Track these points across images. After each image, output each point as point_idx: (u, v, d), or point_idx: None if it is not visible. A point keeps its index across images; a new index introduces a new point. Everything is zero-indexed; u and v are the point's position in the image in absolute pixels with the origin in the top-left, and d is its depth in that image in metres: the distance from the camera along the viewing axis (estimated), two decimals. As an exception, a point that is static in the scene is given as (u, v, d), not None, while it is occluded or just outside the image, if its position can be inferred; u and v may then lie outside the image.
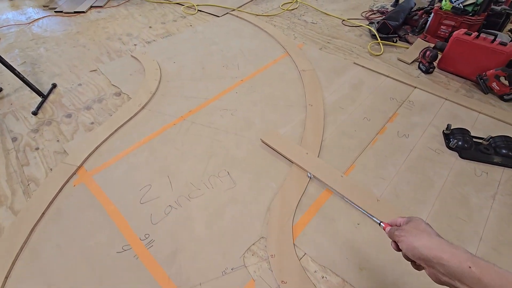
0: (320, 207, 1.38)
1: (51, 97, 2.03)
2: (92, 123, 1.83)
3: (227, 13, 3.10)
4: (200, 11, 3.16)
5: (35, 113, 1.89)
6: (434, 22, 2.50)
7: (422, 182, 1.49)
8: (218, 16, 3.04)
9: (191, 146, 1.68)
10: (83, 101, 1.99)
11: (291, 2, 3.32)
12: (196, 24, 2.91)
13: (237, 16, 3.04)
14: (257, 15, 3.06)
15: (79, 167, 1.56)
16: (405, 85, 2.12)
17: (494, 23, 2.47)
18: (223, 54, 2.46)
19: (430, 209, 1.36)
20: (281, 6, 3.24)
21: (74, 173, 1.53)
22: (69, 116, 1.88)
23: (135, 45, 2.59)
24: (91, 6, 3.24)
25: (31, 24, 2.92)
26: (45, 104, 1.96)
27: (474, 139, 1.68)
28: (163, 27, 2.86)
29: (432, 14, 2.49)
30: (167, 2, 3.35)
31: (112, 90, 2.08)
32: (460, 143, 1.65)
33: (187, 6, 3.23)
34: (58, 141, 1.71)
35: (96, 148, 1.66)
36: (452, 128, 1.73)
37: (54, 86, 2.11)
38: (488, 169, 1.55)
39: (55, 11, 3.15)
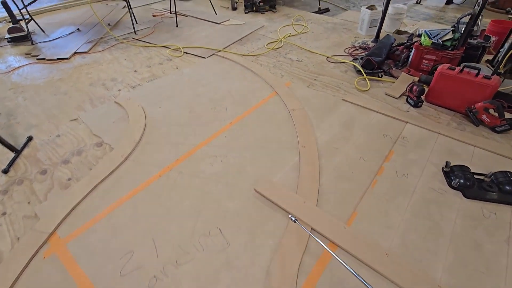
0: (325, 266, 1.23)
1: (25, 151, 1.88)
2: (69, 179, 1.68)
3: (213, 54, 3.13)
4: (186, 53, 3.18)
5: (5, 171, 1.72)
6: (416, 57, 2.57)
7: (430, 228, 1.38)
8: (204, 58, 3.06)
9: (179, 201, 1.54)
10: (60, 154, 1.85)
11: (276, 41, 3.41)
12: (182, 67, 2.90)
13: (223, 57, 3.06)
14: (243, 55, 3.10)
15: (51, 233, 1.38)
16: (396, 121, 2.10)
17: (472, 55, 2.56)
18: (211, 96, 2.41)
19: (444, 262, 1.24)
20: (266, 45, 3.31)
21: (45, 242, 1.35)
22: (43, 172, 1.73)
23: (119, 90, 2.52)
24: (75, 52, 3.22)
25: (10, 73, 2.84)
26: (18, 160, 1.81)
27: (476, 176, 1.62)
28: (148, 71, 2.83)
29: (413, 49, 2.57)
30: (153, 45, 3.37)
31: (93, 140, 1.96)
32: (462, 181, 1.58)
33: (173, 49, 3.26)
34: (29, 203, 1.54)
35: (72, 209, 1.50)
36: (451, 165, 1.67)
37: (29, 139, 1.97)
38: (496, 209, 1.47)
39: (37, 59, 3.10)
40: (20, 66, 2.96)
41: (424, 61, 2.55)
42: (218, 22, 4.01)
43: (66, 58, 3.09)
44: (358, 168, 1.72)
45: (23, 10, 3.54)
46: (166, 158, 1.81)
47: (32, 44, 3.46)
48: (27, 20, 3.57)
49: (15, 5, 3.45)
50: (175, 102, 2.35)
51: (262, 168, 1.73)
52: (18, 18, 3.54)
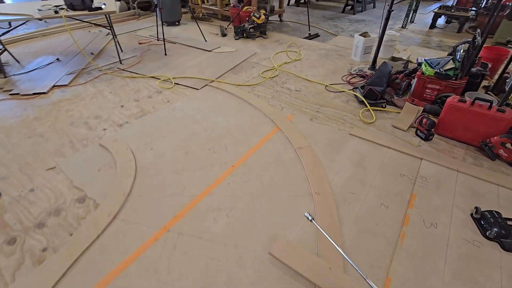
0: None
1: (-10, 213, 1.58)
2: (45, 249, 1.39)
3: (206, 85, 2.96)
4: (178, 84, 2.99)
5: (-37, 243, 1.41)
6: (418, 86, 2.51)
7: (478, 295, 1.20)
8: (197, 89, 2.88)
9: (181, 274, 1.28)
10: (34, 215, 1.56)
11: (271, 70, 3.30)
12: (174, 100, 2.70)
13: (217, 88, 2.89)
14: (238, 85, 2.94)
15: (19, 333, 1.09)
16: (410, 157, 1.96)
17: (472, 83, 2.53)
18: (208, 134, 2.21)
19: None
20: (261, 74, 3.19)
21: None
22: (12, 241, 1.43)
23: (104, 130, 2.27)
24: (54, 86, 2.95)
25: (-22, 111, 2.53)
26: (-20, 226, 1.50)
27: (509, 222, 1.49)
28: (137, 105, 2.60)
29: (416, 79, 2.51)
30: (141, 76, 3.16)
31: (74, 194, 1.68)
32: (497, 230, 1.43)
33: (163, 80, 3.06)
34: (-9, 288, 1.24)
35: (47, 294, 1.21)
36: (481, 211, 1.53)
37: (-4, 196, 1.67)
38: (541, 264, 1.32)
39: (10, 94, 2.81)
40: (-11, 104, 2.65)
41: (427, 90, 2.48)
42: (209, 49, 3.89)
43: (44, 93, 2.82)
44: (381, 218, 1.54)
45: (-4, 41, 3.26)
46: (162, 214, 1.56)
47: (5, 76, 3.16)
48: (1, 50, 3.29)
49: (-14, 36, 3.17)
50: (169, 142, 2.12)
51: (274, 223, 1.51)
52: (-11, 49, 3.25)
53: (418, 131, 2.17)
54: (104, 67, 3.39)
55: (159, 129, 2.27)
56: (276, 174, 1.83)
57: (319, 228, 1.45)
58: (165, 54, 3.75)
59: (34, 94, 2.80)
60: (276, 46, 4.11)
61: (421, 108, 2.45)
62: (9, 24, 3.35)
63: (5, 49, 3.36)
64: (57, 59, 3.60)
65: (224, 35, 4.51)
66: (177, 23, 5.11)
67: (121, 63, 3.51)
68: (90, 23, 3.50)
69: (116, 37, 3.74)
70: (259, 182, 1.77)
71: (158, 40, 4.30)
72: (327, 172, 1.84)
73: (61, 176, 1.82)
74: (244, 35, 4.37)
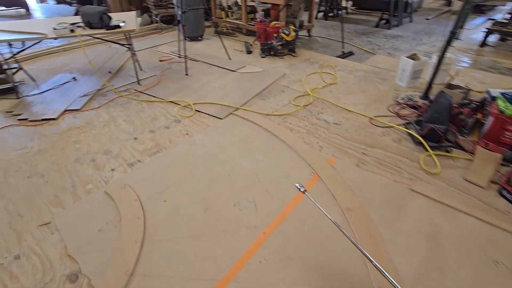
0: None
1: (-38, 289, 1.26)
2: None
3: (231, 113, 2.60)
4: (198, 111, 2.65)
5: None
6: (494, 127, 2.01)
7: None
8: (220, 119, 2.52)
9: None
10: (13, 298, 1.23)
11: (304, 95, 2.90)
12: (193, 131, 2.35)
13: (242, 118, 2.53)
14: (267, 114, 2.57)
15: None
16: (501, 232, 1.48)
17: None
18: (232, 181, 1.83)
19: None
20: (293, 100, 2.80)
21: None
22: None
23: (112, 170, 1.95)
24: (66, 110, 2.71)
25: (-18, 140, 2.31)
26: None
27: None
28: (152, 138, 2.28)
29: (491, 118, 2.02)
30: (159, 100, 2.87)
31: (65, 267, 1.34)
32: None
33: (182, 106, 2.74)
34: None
35: None
36: None
37: (-26, 264, 1.35)
38: None
39: (19, 119, 2.59)
40: (-5, 131, 2.42)
41: (506, 132, 1.98)
42: (233, 69, 3.56)
43: (53, 119, 2.57)
44: None
45: (13, 58, 3.10)
46: (173, 309, 1.17)
47: (18, 97, 2.97)
48: (15, 70, 3.12)
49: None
50: (186, 190, 1.76)
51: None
52: (4, 67, 3.09)
53: (505, 191, 1.67)
54: (120, 89, 3.13)
55: (175, 171, 1.92)
56: (320, 249, 1.40)
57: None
58: (186, 74, 3.46)
59: (43, 120, 2.56)
60: (307, 66, 3.72)
61: (499, 156, 1.94)
62: (23, 43, 3.20)
63: (21, 68, 3.18)
64: (74, 78, 3.40)
65: (249, 52, 4.18)
66: (199, 38, 4.86)
67: (139, 83, 3.24)
68: (109, 41, 3.27)
69: (135, 55, 3.50)
70: (300, 261, 1.35)
71: (179, 57, 4.04)
72: (390, 250, 1.39)
73: (55, 236, 1.49)
74: (271, 52, 4.02)
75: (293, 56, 4.07)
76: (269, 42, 4.07)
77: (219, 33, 4.92)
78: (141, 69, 3.62)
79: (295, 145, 2.14)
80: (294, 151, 2.09)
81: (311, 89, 3.02)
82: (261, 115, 2.57)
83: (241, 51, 4.30)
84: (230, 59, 3.92)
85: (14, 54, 3.09)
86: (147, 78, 3.40)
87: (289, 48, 4.07)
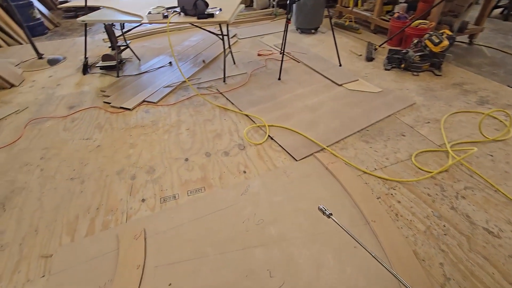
0: None
1: None
2: None
3: (312, 154, 1.85)
4: (272, 138, 2.02)
5: None
6: None
7: None
8: (296, 160, 1.82)
9: None
10: None
11: (438, 151, 1.83)
12: (254, 170, 1.75)
13: (326, 167, 1.74)
14: (364, 172, 1.69)
15: None
16: None
17: None
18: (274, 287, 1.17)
19: None
20: (414, 157, 1.78)
21: None
22: None
23: (143, 201, 1.60)
24: (144, 101, 2.58)
25: (68, 118, 2.39)
26: None
27: None
28: (202, 166, 1.82)
29: None
30: (233, 110, 2.37)
31: None
32: None
33: (255, 126, 2.16)
34: None
35: None
36: None
37: (-33, 284, 1.24)
38: None
39: (104, 102, 2.62)
40: (80, 110, 2.49)
41: None
42: (340, 82, 2.69)
43: (129, 109, 2.46)
44: None
45: (124, 35, 3.21)
46: None
47: (118, 76, 3.06)
48: (122, 48, 3.22)
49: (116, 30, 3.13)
50: (203, 277, 1.22)
51: None
52: (118, 44, 3.22)
53: None
54: (204, 84, 2.80)
55: (204, 233, 1.39)
56: None
57: None
58: (279, 79, 2.82)
59: (120, 108, 2.49)
60: (455, 95, 2.45)
61: None
62: (122, 25, 3.25)
63: (127, 46, 3.28)
64: (170, 63, 3.31)
65: (370, 59, 3.15)
66: (313, 30, 4.06)
67: (224, 81, 2.84)
68: (202, 28, 2.95)
69: (229, 48, 3.10)
70: None
71: (280, 53, 3.42)
72: None
73: (45, 281, 1.23)
74: (402, 65, 2.88)
75: (436, 75, 2.80)
76: (403, 50, 2.91)
77: (338, 27, 4.02)
78: (234, 63, 3.21)
79: (395, 256, 1.25)
80: (391, 268, 1.21)
81: (452, 143, 1.89)
82: (355, 171, 1.71)
83: (359, 55, 3.30)
84: (340, 65, 3.03)
85: (124, 32, 3.19)
86: (235, 75, 2.96)
87: (432, 63, 2.82)
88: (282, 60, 2.80)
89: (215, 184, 1.68)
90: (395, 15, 3.44)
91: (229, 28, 4.39)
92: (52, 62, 3.49)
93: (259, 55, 3.42)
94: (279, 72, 2.85)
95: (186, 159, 1.88)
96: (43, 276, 1.25)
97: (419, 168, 1.71)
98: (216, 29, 2.92)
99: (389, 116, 2.20)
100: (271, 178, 1.70)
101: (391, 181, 1.64)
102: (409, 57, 2.78)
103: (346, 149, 1.89)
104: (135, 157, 1.92)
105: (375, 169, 1.73)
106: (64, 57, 3.66)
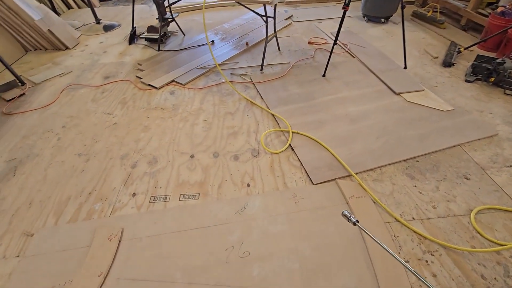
0: None
1: None
2: None
3: (335, 179, 1.50)
4: (293, 149, 1.70)
5: None
6: None
7: None
8: (312, 183, 1.49)
9: None
10: None
11: (505, 210, 1.31)
12: (260, 185, 1.48)
13: (347, 203, 1.38)
14: (396, 219, 1.29)
15: None
16: None
17: None
18: None
19: None
20: (474, 214, 1.30)
21: None
22: None
23: (133, 195, 1.48)
24: (173, 81, 2.45)
25: (98, 90, 2.40)
26: None
27: None
28: (206, 167, 1.62)
29: None
30: (260, 106, 2.08)
31: (-25, 326, 1.03)
32: None
33: (277, 130, 1.85)
34: None
35: None
36: None
37: (-43, 245, 1.28)
38: None
39: (136, 76, 2.56)
40: (113, 81, 2.48)
41: None
42: (397, 90, 2.16)
43: (156, 88, 2.36)
44: None
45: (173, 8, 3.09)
46: None
47: (158, 50, 2.99)
48: (169, 20, 3.12)
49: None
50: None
51: None
52: (165, 16, 3.13)
53: None
54: (239, 70, 2.55)
55: (184, 248, 1.22)
56: None
57: None
58: (323, 75, 2.41)
59: (149, 85, 2.41)
60: None
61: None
62: None
63: (173, 19, 3.15)
64: (212, 41, 3.11)
65: (448, 64, 2.48)
66: (383, 20, 3.39)
67: (261, 70, 2.54)
68: (246, 7, 2.62)
69: (275, 32, 2.74)
70: None
71: (335, 43, 2.93)
72: None
73: (11, 263, 1.21)
74: (492, 79, 2.18)
75: (541, 98, 2.06)
76: (498, 58, 2.20)
77: (416, 17, 3.31)
78: (279, 50, 2.86)
79: None
80: None
81: (543, 205, 1.33)
82: (385, 215, 1.33)
83: (435, 57, 2.63)
84: (405, 67, 2.45)
85: (170, 4, 3.06)
86: (276, 64, 2.62)
87: (538, 80, 2.07)
88: (330, 53, 2.36)
89: (211, 193, 1.47)
90: (498, 10, 2.62)
91: (287, 8, 3.98)
92: (107, 28, 3.60)
93: (309, 43, 2.99)
94: (325, 67, 2.42)
95: (192, 156, 1.70)
96: (17, 256, 1.23)
97: (479, 233, 1.24)
98: (271, 8, 2.58)
99: (454, 146, 1.67)
100: (275, 201, 1.42)
101: (431, 241, 1.22)
102: (505, 69, 2.08)
103: (381, 182, 1.49)
104: (143, 143, 1.81)
105: (413, 218, 1.31)
106: (119, 24, 3.75)
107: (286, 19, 3.62)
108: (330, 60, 2.41)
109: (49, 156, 1.75)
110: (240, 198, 1.43)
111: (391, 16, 3.43)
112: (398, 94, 2.13)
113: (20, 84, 2.51)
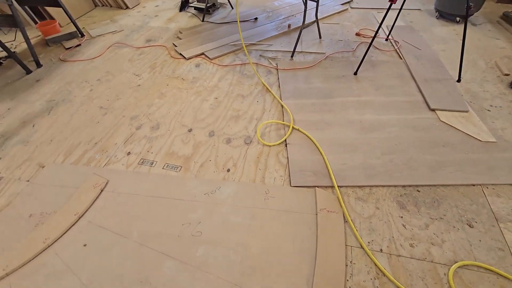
0: None
1: (-28, 174, 1.54)
2: None
3: (314, 187, 1.41)
4: (286, 146, 1.64)
5: None
6: None
7: None
8: (290, 185, 1.43)
9: None
10: (-47, 215, 1.36)
11: (501, 275, 1.08)
12: (240, 172, 1.49)
13: (316, 214, 1.31)
14: (368, 254, 1.19)
15: None
16: None
17: None
18: None
19: None
20: (455, 269, 1.11)
21: None
22: None
23: (128, 154, 1.63)
24: (203, 54, 2.49)
25: (137, 51, 2.58)
26: None
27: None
28: (197, 144, 1.67)
29: None
30: (274, 96, 2.01)
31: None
32: None
33: (279, 122, 1.78)
34: None
35: None
36: None
37: None
38: None
39: (173, 43, 2.66)
40: (151, 45, 2.64)
41: None
42: (432, 105, 1.85)
43: (185, 58, 2.45)
44: None
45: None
46: None
47: (203, 20, 3.05)
48: (219, -8, 3.12)
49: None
50: (111, 261, 1.19)
51: None
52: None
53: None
54: (270, 53, 2.47)
55: (148, 212, 1.33)
56: None
57: None
58: (355, 73, 2.18)
59: (180, 54, 2.50)
60: None
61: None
62: None
63: (223, -8, 3.14)
64: (255, 18, 3.04)
65: (519, 85, 2.01)
66: (458, 19, 2.85)
67: (292, 57, 2.42)
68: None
69: (317, 18, 2.54)
70: None
71: (387, 39, 2.60)
72: None
73: (19, 185, 1.48)
74: None
75: None
76: None
77: (505, 21, 2.75)
78: (320, 37, 2.66)
79: None
80: None
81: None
82: (351, 238, 1.22)
83: (505, 74, 2.15)
84: (458, 80, 2.07)
85: (223, -24, 3.03)
86: (310, 53, 2.47)
87: None
88: (367, 49, 2.10)
89: (192, 169, 1.54)
90: None
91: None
92: (167, -8, 3.77)
93: (357, 34, 2.71)
94: (359, 64, 2.19)
95: (190, 130, 1.77)
96: (27, 181, 1.50)
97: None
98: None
99: (473, 185, 1.41)
100: (246, 192, 1.42)
101: (389, 279, 1.10)
102: None
103: (365, 202, 1.36)
104: (154, 109, 1.94)
105: (381, 250, 1.19)
106: (179, -11, 3.89)
107: (343, 4, 3.31)
108: (371, 58, 2.17)
109: (79, 104, 2.01)
110: (215, 181, 1.47)
111: (471, 15, 2.86)
112: (432, 110, 1.84)
113: (80, 35, 2.85)
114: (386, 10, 1.94)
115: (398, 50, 2.44)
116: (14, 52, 2.43)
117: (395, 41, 2.54)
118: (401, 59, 2.36)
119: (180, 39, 2.72)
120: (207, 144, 1.68)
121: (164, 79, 2.22)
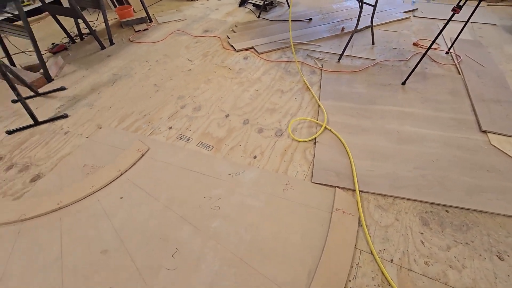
0: None
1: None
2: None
3: (334, 187, 1.41)
4: (314, 144, 1.65)
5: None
6: None
7: None
8: (311, 181, 1.45)
9: None
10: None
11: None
12: (261, 163, 1.56)
13: (331, 212, 1.31)
14: (377, 261, 1.16)
15: None
16: None
17: None
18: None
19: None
20: None
21: None
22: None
23: (170, 128, 1.80)
24: (252, 48, 2.59)
25: (194, 39, 2.79)
26: (29, 130, 1.84)
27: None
28: (231, 129, 1.78)
29: None
30: (312, 94, 2.02)
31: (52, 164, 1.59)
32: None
33: (315, 121, 1.79)
34: None
35: None
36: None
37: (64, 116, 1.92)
38: None
39: (227, 35, 2.82)
40: (208, 35, 2.83)
41: None
42: (484, 127, 1.69)
43: (235, 50, 2.58)
44: None
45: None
46: None
47: (258, 17, 3.17)
48: (278, -9, 3.20)
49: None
50: (138, 218, 1.36)
51: None
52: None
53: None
54: (318, 54, 2.48)
55: (178, 181, 1.48)
56: None
57: None
58: (403, 83, 2.08)
59: (232, 46, 2.65)
60: None
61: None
62: None
63: (282, -9, 3.21)
64: (310, 19, 3.05)
65: None
66: (541, 38, 2.51)
67: (339, 60, 2.40)
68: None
69: (372, 24, 2.47)
70: None
71: (447, 53, 2.41)
72: None
73: (82, 141, 1.74)
74: None
75: None
76: None
77: None
78: (373, 43, 2.59)
79: None
80: None
81: None
82: (362, 244, 1.21)
83: None
84: (523, 105, 1.85)
85: (284, -25, 3.10)
86: (358, 58, 2.42)
87: None
88: (420, 59, 2.00)
89: (223, 150, 1.65)
90: None
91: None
92: (231, -13, 3.98)
93: (414, 44, 2.56)
94: (408, 74, 2.08)
95: (227, 115, 1.89)
96: (87, 137, 1.77)
97: None
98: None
99: (510, 216, 1.28)
100: (267, 180, 1.48)
101: (394, 291, 1.07)
102: None
103: (385, 211, 1.33)
104: (199, 92, 2.11)
105: (392, 261, 1.16)
106: (242, -14, 4.07)
107: (406, 11, 3.14)
108: (425, 70, 2.07)
109: (137, 80, 2.27)
110: (241, 165, 1.56)
111: (559, 35, 2.50)
112: (483, 131, 1.68)
113: (149, 21, 3.18)
114: (447, 20, 1.82)
115: (457, 65, 2.26)
116: (95, 30, 2.83)
117: (456, 55, 2.36)
118: (460, 74, 2.18)
119: (234, 32, 2.88)
120: (240, 131, 1.78)
121: (213, 67, 2.38)
